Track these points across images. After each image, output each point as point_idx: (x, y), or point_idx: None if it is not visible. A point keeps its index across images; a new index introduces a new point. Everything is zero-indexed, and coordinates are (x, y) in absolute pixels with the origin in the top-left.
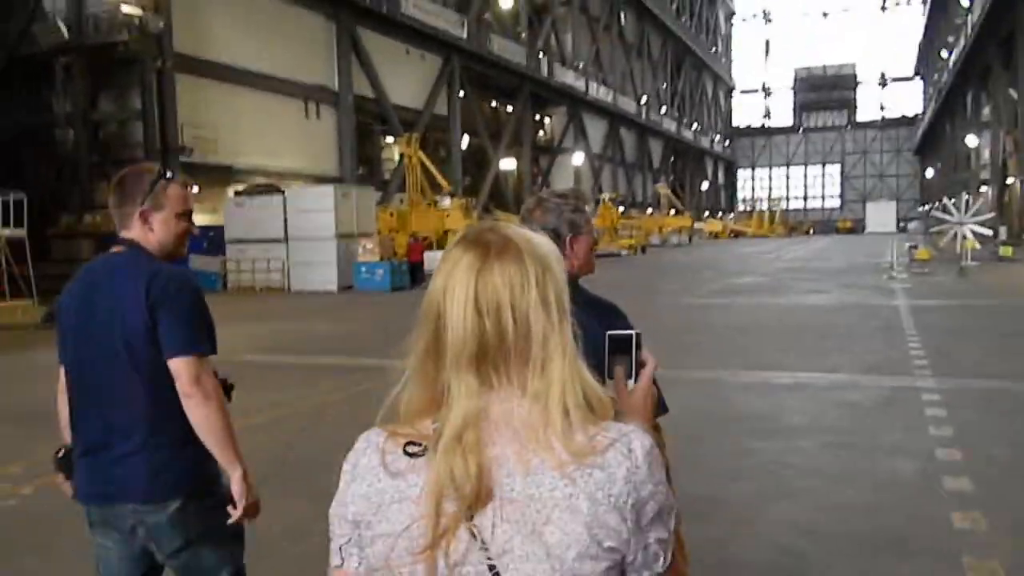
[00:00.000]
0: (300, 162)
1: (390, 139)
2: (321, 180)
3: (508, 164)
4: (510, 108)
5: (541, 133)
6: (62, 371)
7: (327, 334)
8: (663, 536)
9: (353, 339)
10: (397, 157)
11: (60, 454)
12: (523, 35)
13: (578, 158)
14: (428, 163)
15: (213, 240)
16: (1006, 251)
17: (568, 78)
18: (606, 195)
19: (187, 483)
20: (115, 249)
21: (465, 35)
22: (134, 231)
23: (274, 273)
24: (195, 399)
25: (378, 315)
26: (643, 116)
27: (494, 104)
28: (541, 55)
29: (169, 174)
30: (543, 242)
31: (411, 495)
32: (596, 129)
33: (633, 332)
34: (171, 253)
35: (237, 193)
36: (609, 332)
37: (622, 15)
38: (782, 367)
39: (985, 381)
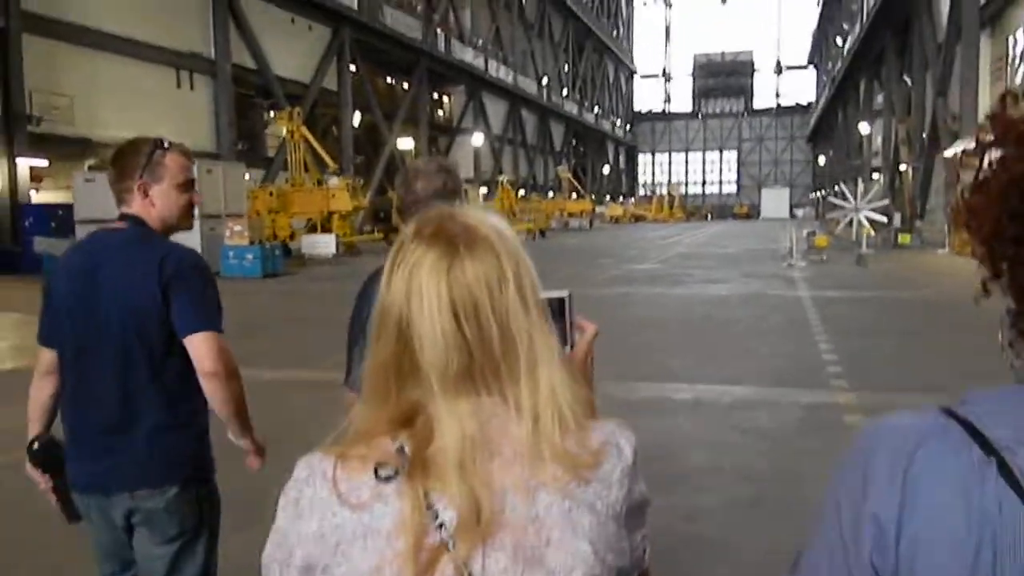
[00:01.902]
0: (172, 135)
1: (275, 114)
2: (197, 155)
3: (405, 144)
4: (407, 85)
5: (440, 112)
6: (45, 354)
7: None
8: (647, 532)
9: None
10: (284, 133)
11: (35, 445)
12: (419, 8)
13: (478, 139)
14: (312, 140)
15: (62, 220)
16: (904, 239)
17: (467, 56)
18: (504, 178)
19: (186, 469)
20: (115, 225)
21: (356, 5)
22: (135, 206)
23: None
24: (219, 376)
25: (241, 306)
26: (544, 98)
27: (389, 80)
28: (438, 31)
29: (167, 143)
30: (510, 230)
31: (379, 528)
32: (497, 110)
33: (566, 293)
34: (174, 226)
35: (90, 168)
36: (541, 293)
37: None
38: (680, 376)
39: (908, 396)
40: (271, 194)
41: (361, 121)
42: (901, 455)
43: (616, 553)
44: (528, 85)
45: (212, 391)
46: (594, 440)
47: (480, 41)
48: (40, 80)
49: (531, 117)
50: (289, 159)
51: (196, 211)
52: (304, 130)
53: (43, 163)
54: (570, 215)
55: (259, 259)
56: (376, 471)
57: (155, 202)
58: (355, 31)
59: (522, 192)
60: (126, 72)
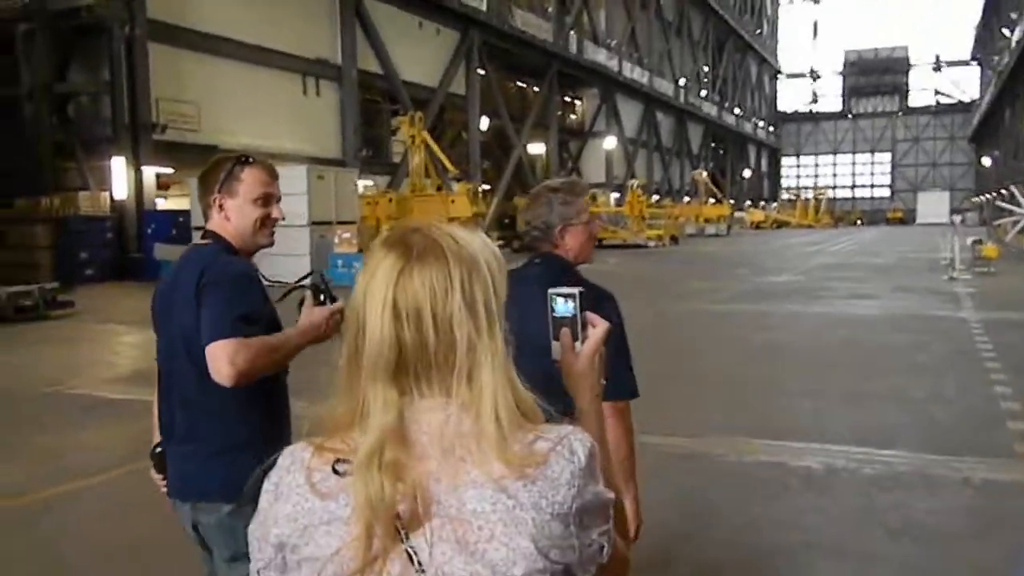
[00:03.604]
0: (297, 142)
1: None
2: (321, 162)
3: (536, 148)
4: (537, 89)
5: (572, 116)
6: (158, 366)
7: None
8: (605, 528)
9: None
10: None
11: (156, 450)
12: (550, 10)
13: (610, 142)
14: (432, 144)
15: (182, 226)
16: None
17: (600, 57)
18: (633, 182)
19: (239, 488)
20: (201, 241)
21: (485, 7)
22: (213, 221)
23: None
24: (239, 379)
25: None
26: (681, 99)
27: (519, 84)
28: (571, 32)
29: (250, 159)
30: (473, 242)
31: (341, 516)
32: (630, 112)
33: (577, 290)
34: (252, 242)
35: None
36: (551, 290)
37: None
38: (805, 430)
39: None
40: (390, 200)
41: (490, 126)
42: None
43: (561, 550)
44: (664, 86)
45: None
46: (543, 442)
47: (614, 42)
48: (166, 88)
49: (667, 119)
50: (410, 164)
51: (276, 226)
52: (425, 135)
53: (168, 171)
54: (707, 220)
55: None
56: (334, 466)
57: (230, 216)
58: (484, 34)
59: (656, 197)
60: (252, 79)
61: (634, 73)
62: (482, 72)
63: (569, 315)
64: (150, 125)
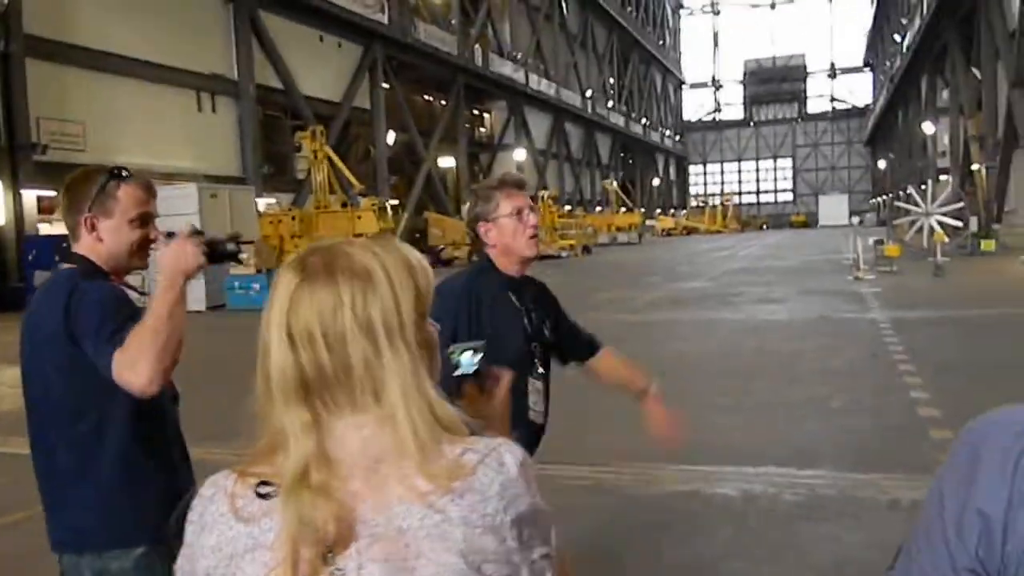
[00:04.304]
0: (193, 160)
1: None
2: (220, 180)
3: (447, 162)
4: (444, 102)
5: (481, 128)
6: None
7: None
8: (547, 552)
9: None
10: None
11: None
12: (454, 23)
13: (520, 154)
14: (336, 159)
15: (65, 252)
16: (987, 245)
17: (506, 70)
18: (544, 193)
19: (150, 526)
20: (65, 266)
21: (387, 20)
22: (83, 242)
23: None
24: (127, 375)
25: (236, 343)
26: (589, 110)
27: (426, 98)
28: (475, 45)
29: (124, 172)
30: (373, 258)
31: (266, 541)
32: (539, 124)
33: (481, 342)
34: (126, 265)
35: None
36: (453, 345)
37: (564, 4)
38: (720, 452)
39: None
40: (293, 218)
41: (397, 140)
42: (1013, 448)
43: (496, 564)
44: (572, 98)
45: (133, 381)
46: (471, 454)
47: (520, 55)
48: (48, 107)
49: (576, 130)
50: (313, 181)
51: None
52: (328, 150)
53: (51, 193)
54: (619, 229)
55: (266, 288)
56: (257, 489)
57: (103, 237)
58: (387, 47)
59: (568, 207)
60: (142, 95)
61: (541, 85)
62: (387, 86)
63: (472, 370)
64: (29, 145)
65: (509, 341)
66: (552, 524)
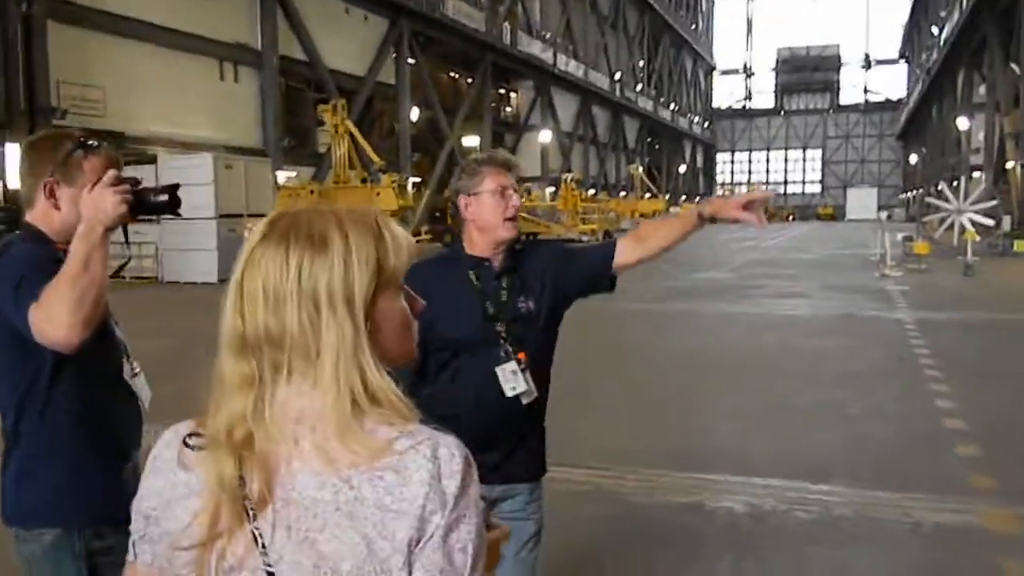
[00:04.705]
0: (213, 130)
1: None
2: (240, 151)
3: (471, 141)
4: (470, 80)
5: (507, 108)
6: None
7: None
8: (467, 561)
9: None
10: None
11: None
12: (484, 1)
13: (546, 136)
14: (357, 134)
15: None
16: (1021, 245)
17: (535, 49)
18: (568, 176)
19: (62, 511)
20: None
21: None
22: (37, 209)
23: (146, 259)
24: (45, 328)
25: None
26: (617, 93)
27: (452, 75)
28: (504, 23)
29: (93, 143)
30: (332, 228)
31: (199, 491)
32: (566, 106)
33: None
34: None
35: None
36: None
37: None
38: (730, 461)
39: None
40: (312, 192)
41: (421, 116)
42: None
43: (401, 554)
44: (600, 80)
45: (49, 333)
46: (404, 439)
47: (549, 34)
48: (70, 71)
49: (603, 113)
50: (334, 155)
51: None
52: (349, 124)
53: None
54: (643, 215)
55: None
56: (185, 440)
57: (60, 206)
58: (414, 22)
59: (592, 191)
60: (164, 63)
61: (569, 66)
62: (413, 61)
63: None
64: (49, 109)
65: (457, 325)
66: (481, 538)
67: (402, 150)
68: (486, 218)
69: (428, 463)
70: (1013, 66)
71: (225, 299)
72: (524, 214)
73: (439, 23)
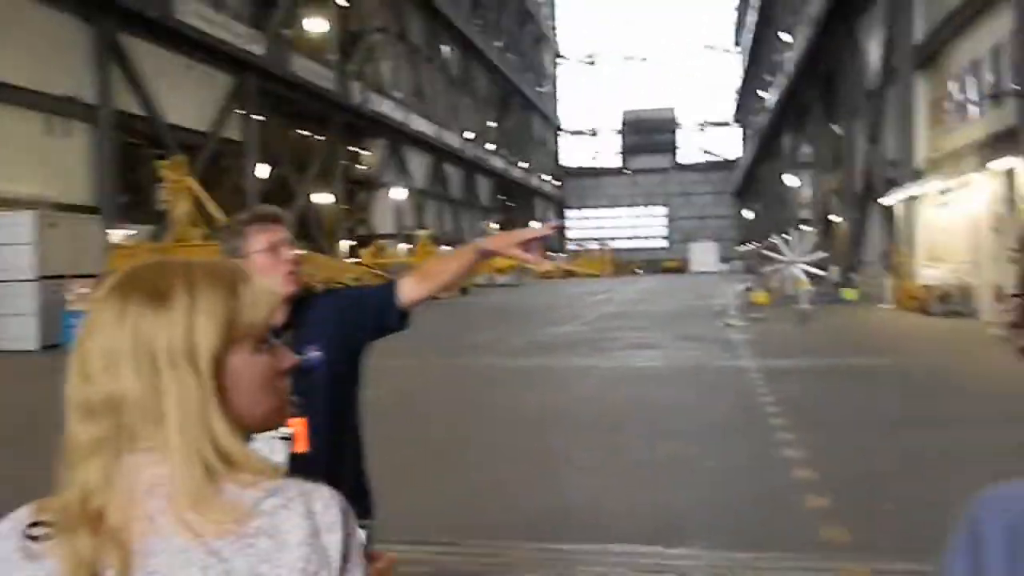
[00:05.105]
0: (40, 186)
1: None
2: (70, 208)
3: (323, 198)
4: (321, 137)
5: (359, 166)
6: None
7: None
8: None
9: None
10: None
11: None
12: (334, 60)
13: (399, 193)
14: (200, 191)
15: None
16: (850, 294)
17: (386, 108)
18: (423, 233)
19: None
20: None
21: (261, 52)
22: None
23: None
24: None
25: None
26: (469, 152)
27: (303, 132)
28: (354, 82)
29: None
30: (176, 281)
31: None
32: (419, 164)
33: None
34: None
35: None
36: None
37: (445, 48)
38: (584, 525)
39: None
40: (150, 251)
41: (271, 174)
42: (1018, 527)
43: None
44: (452, 139)
45: None
46: (272, 499)
47: (400, 94)
48: None
49: (456, 172)
50: (174, 213)
51: None
52: (191, 181)
53: None
54: (498, 271)
55: None
56: (26, 530)
57: None
58: (260, 79)
59: (448, 247)
60: None
61: (421, 125)
62: (260, 118)
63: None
64: None
65: None
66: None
67: (250, 207)
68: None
69: (303, 520)
70: (834, 127)
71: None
72: (380, 271)
73: (287, 81)
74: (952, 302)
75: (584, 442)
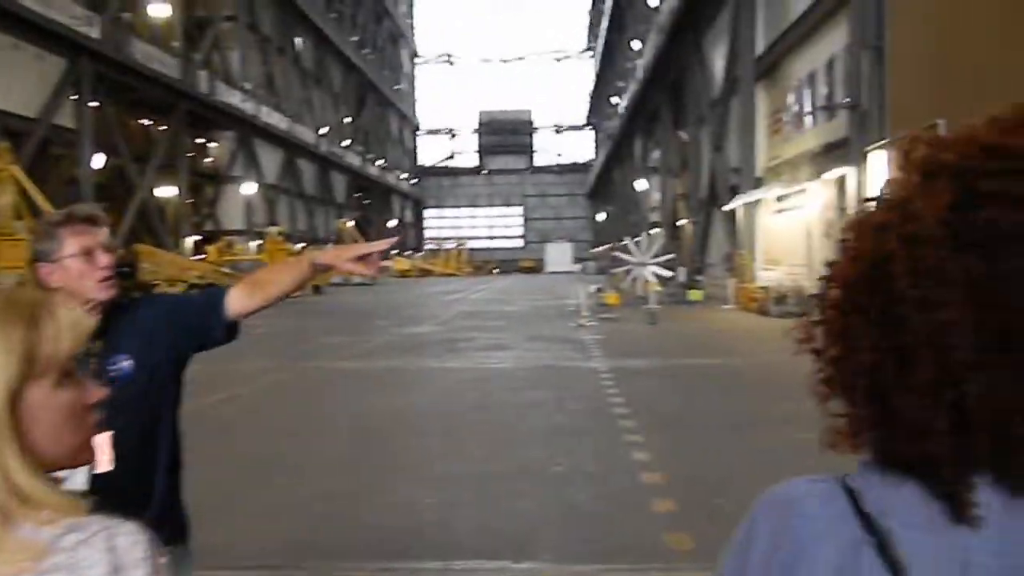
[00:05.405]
0: None
1: None
2: None
3: (167, 191)
4: (165, 128)
5: (206, 159)
6: None
7: None
8: None
9: None
10: None
11: None
12: (178, 47)
13: (250, 188)
14: (26, 181)
15: None
16: (696, 295)
17: (234, 99)
18: (273, 230)
19: None
20: None
21: (98, 35)
22: None
23: None
24: None
25: None
26: (324, 148)
27: (144, 122)
28: (201, 71)
29: None
30: None
31: None
32: (271, 158)
33: None
34: None
35: None
36: None
37: (298, 40)
38: (428, 541)
39: None
40: None
41: (107, 164)
42: (782, 525)
43: None
44: (305, 134)
45: None
46: (71, 535)
47: (250, 85)
48: None
49: (310, 167)
50: None
51: None
52: (15, 169)
53: None
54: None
55: None
56: None
57: None
58: (97, 64)
59: (302, 245)
60: None
61: (272, 118)
62: (96, 105)
63: None
64: None
65: None
66: None
67: (83, 200)
68: (73, 286)
69: (104, 555)
70: (681, 134)
71: None
72: (228, 269)
73: (126, 67)
74: (788, 303)
75: (433, 450)
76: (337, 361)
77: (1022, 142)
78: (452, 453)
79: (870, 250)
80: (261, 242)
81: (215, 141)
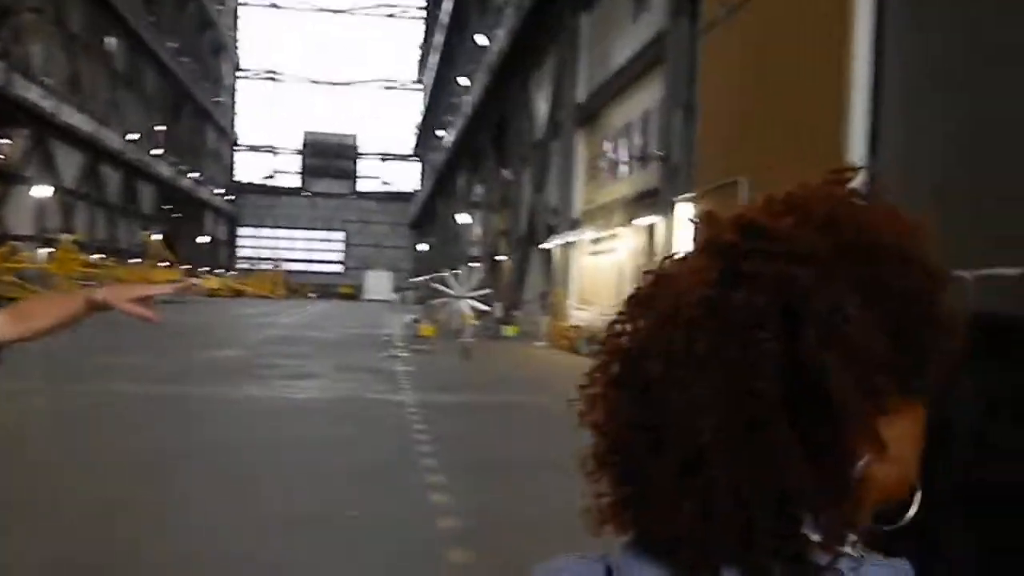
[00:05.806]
0: None
1: None
2: None
3: None
4: None
5: None
6: None
7: None
8: None
9: None
10: None
11: None
12: None
13: (43, 191)
14: None
15: None
16: (511, 331)
17: (32, 95)
18: (67, 238)
19: None
20: None
21: None
22: None
23: None
24: None
25: None
26: (131, 154)
27: None
28: None
29: None
30: None
31: None
32: (70, 161)
33: None
34: None
35: None
36: None
37: (110, 40)
38: None
39: None
40: None
41: None
42: None
43: None
44: (111, 138)
45: None
46: None
47: (52, 82)
48: None
49: (115, 174)
50: None
51: None
52: None
53: None
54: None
55: None
56: None
57: None
58: None
59: (101, 256)
60: None
61: (75, 119)
62: None
63: None
64: None
65: None
66: None
67: None
68: None
69: None
70: (504, 172)
71: None
72: (11, 278)
73: None
74: (598, 343)
75: (217, 491)
76: (128, 385)
77: (784, 225)
78: (239, 497)
79: (633, 325)
80: (52, 250)
81: (7, 138)
